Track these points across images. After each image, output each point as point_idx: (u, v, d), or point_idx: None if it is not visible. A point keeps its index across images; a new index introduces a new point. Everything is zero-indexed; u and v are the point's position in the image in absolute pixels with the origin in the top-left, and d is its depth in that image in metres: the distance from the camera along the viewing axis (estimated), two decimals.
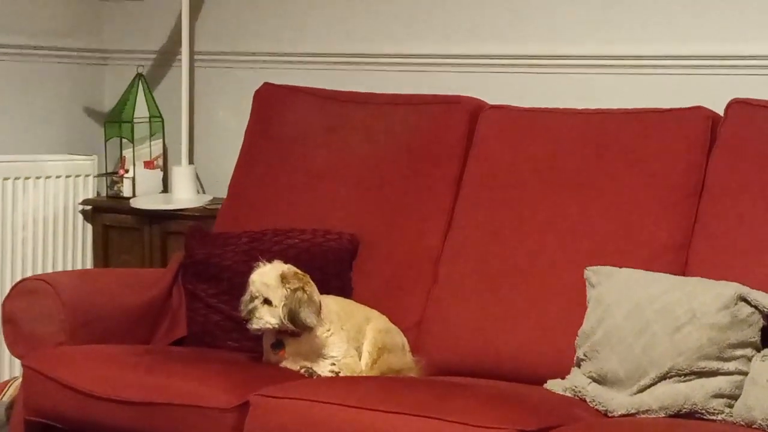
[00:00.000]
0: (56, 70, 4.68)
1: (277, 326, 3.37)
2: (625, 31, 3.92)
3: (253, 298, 3.38)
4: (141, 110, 4.62)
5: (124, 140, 4.61)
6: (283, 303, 3.36)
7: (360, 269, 3.74)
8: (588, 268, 3.37)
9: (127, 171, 4.60)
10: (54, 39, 4.65)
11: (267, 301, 3.37)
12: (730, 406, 3.08)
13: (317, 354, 3.41)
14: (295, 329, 3.37)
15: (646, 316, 3.15)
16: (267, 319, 3.37)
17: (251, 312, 3.36)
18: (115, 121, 4.63)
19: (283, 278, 3.37)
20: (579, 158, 3.60)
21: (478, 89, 3.95)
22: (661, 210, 3.46)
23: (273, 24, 4.51)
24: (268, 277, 3.40)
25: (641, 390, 3.13)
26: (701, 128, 3.51)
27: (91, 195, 4.62)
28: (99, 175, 4.65)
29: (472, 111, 3.83)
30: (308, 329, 3.39)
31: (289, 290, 3.37)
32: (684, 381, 3.10)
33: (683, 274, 3.34)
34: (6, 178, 4.37)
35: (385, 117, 3.95)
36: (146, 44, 4.74)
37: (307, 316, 3.36)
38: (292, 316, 3.36)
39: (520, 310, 3.50)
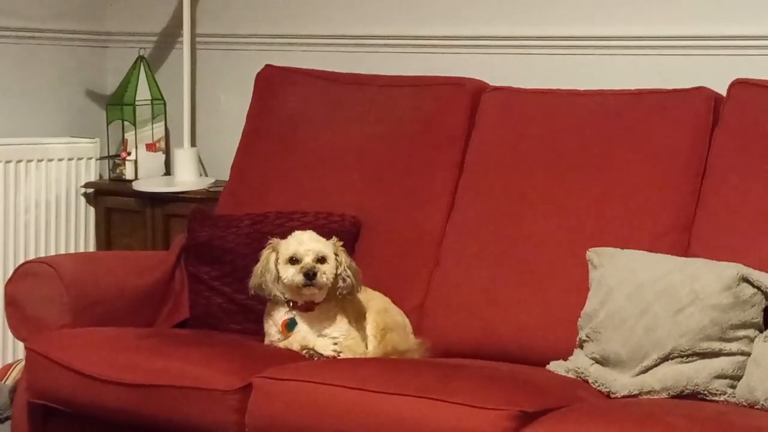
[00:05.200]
0: (58, 53, 4.67)
1: (330, 284, 3.40)
2: (627, 11, 3.91)
3: (299, 259, 3.39)
4: (143, 93, 4.61)
5: (126, 123, 4.61)
6: (339, 260, 3.42)
7: (362, 252, 3.74)
8: (590, 249, 3.36)
9: (129, 154, 4.60)
10: (56, 22, 4.65)
11: (321, 260, 3.40)
12: (733, 387, 3.08)
13: (323, 329, 3.42)
14: (345, 288, 3.42)
15: (648, 298, 3.16)
16: (329, 275, 3.41)
17: (313, 268, 3.37)
18: (117, 104, 4.63)
19: (328, 237, 3.45)
20: (581, 140, 3.60)
21: (480, 71, 3.94)
22: (664, 191, 3.46)
23: (274, 6, 4.50)
24: (314, 236, 3.45)
25: (643, 371, 3.13)
26: (704, 109, 3.51)
27: (93, 178, 4.62)
28: (101, 158, 4.65)
29: (474, 93, 3.83)
30: (353, 293, 3.45)
31: (341, 249, 3.44)
32: (686, 362, 3.10)
33: (685, 255, 3.34)
34: (8, 161, 4.37)
35: (387, 99, 3.95)
36: (148, 27, 4.74)
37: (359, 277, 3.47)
38: (356, 273, 3.43)
39: (523, 291, 3.50)
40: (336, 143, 3.95)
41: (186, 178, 4.51)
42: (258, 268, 3.46)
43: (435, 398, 2.95)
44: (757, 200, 3.34)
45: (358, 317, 3.50)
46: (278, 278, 3.42)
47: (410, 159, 3.83)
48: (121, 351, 3.40)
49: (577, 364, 3.25)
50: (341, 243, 3.48)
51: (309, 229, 3.56)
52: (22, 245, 4.41)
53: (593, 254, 3.35)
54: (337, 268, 3.42)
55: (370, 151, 3.89)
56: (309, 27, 4.42)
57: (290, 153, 4.00)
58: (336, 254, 3.44)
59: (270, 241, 3.48)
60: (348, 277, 3.43)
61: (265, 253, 3.47)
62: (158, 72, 4.70)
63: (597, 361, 3.22)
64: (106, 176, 4.68)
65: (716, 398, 3.08)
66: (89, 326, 3.56)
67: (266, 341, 3.50)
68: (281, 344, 3.45)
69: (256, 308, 3.59)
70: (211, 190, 4.37)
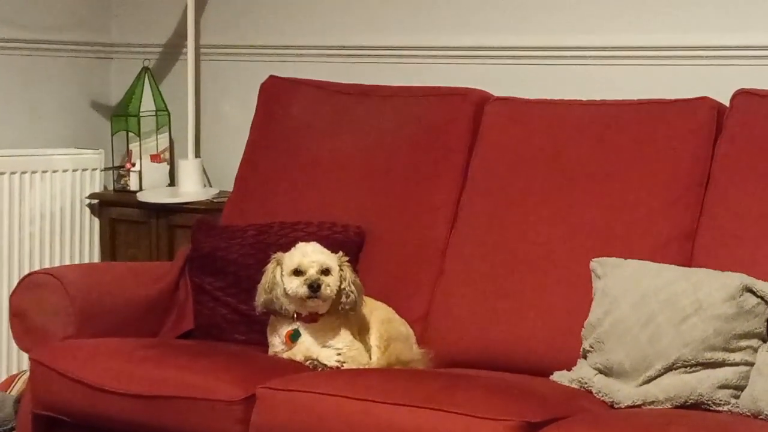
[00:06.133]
0: (63, 65, 4.68)
1: (333, 296, 3.40)
2: (630, 22, 3.91)
3: (303, 271, 3.38)
4: (147, 104, 4.62)
5: (130, 134, 4.62)
6: (343, 275, 3.41)
7: (366, 262, 3.74)
8: (594, 259, 3.36)
9: (133, 165, 4.60)
10: (60, 33, 4.66)
11: (325, 271, 3.40)
12: (736, 397, 3.08)
13: (327, 340, 3.42)
14: (347, 304, 3.42)
15: (651, 308, 3.16)
16: (332, 287, 3.40)
17: (318, 280, 3.37)
18: (122, 115, 4.64)
19: (332, 251, 3.45)
20: (584, 150, 3.60)
21: (484, 81, 3.95)
22: (667, 201, 3.46)
23: (278, 17, 4.51)
24: (318, 247, 3.45)
25: (647, 381, 3.13)
26: (707, 119, 3.51)
27: (98, 189, 4.63)
28: (106, 169, 4.66)
29: (478, 103, 3.83)
30: (355, 309, 3.44)
31: (347, 264, 3.44)
32: (690, 372, 3.10)
33: (689, 265, 3.34)
34: (13, 173, 4.38)
35: (391, 109, 3.95)
36: (152, 38, 4.75)
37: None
38: (359, 289, 3.43)
39: (527, 301, 3.50)
40: (340, 153, 3.95)
41: (190, 188, 4.51)
42: (264, 285, 3.46)
43: (439, 409, 2.95)
44: (760, 210, 3.33)
45: (361, 328, 3.50)
46: (283, 290, 3.43)
47: (414, 169, 3.83)
48: (125, 361, 3.40)
49: (581, 374, 3.25)
50: (347, 258, 3.48)
51: (313, 239, 3.56)
52: (27, 256, 4.42)
53: (597, 264, 3.35)
54: (341, 283, 3.42)
55: (374, 161, 3.89)
56: (313, 38, 4.43)
57: (294, 163, 4.01)
58: (340, 268, 3.44)
59: (274, 256, 3.48)
60: (352, 293, 3.43)
61: (270, 267, 3.46)
62: (163, 83, 4.71)
63: (601, 372, 3.22)
64: (110, 187, 4.68)
65: (720, 408, 3.08)
66: (94, 337, 3.57)
67: (270, 352, 3.50)
68: (285, 355, 3.45)
69: (260, 319, 3.59)
70: (215, 200, 4.38)
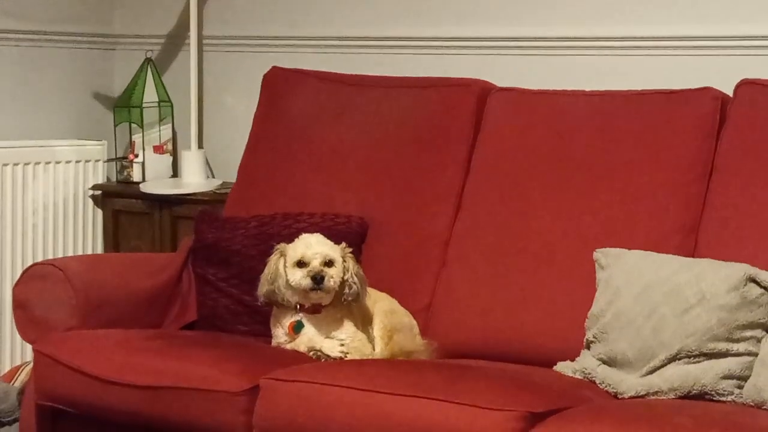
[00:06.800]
0: (66, 56, 4.68)
1: (336, 288, 3.40)
2: (633, 12, 3.91)
3: (307, 263, 3.38)
4: (150, 95, 4.62)
5: (133, 125, 4.62)
6: (346, 266, 3.41)
7: (369, 253, 3.74)
8: (597, 250, 3.36)
9: (136, 156, 4.61)
10: (63, 24, 4.66)
11: (328, 263, 3.40)
12: (740, 387, 3.08)
13: (330, 331, 3.42)
14: (350, 295, 3.42)
15: (655, 298, 3.15)
16: (336, 278, 3.40)
17: (321, 272, 3.37)
18: (125, 106, 4.64)
19: (335, 242, 3.45)
20: (587, 140, 3.60)
21: (487, 72, 3.94)
22: (671, 192, 3.46)
23: (281, 7, 4.51)
24: (322, 239, 3.45)
25: (651, 372, 3.13)
26: (710, 109, 3.51)
27: (101, 180, 4.63)
28: (109, 160, 4.66)
29: (481, 93, 3.83)
30: (358, 300, 3.44)
31: (350, 255, 3.43)
32: (693, 362, 3.10)
33: (692, 256, 3.34)
34: (16, 164, 4.38)
35: (394, 100, 3.95)
36: (155, 29, 4.74)
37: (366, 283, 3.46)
38: (362, 281, 3.43)
39: (530, 292, 3.50)
40: (343, 144, 3.95)
41: (193, 180, 4.52)
42: (267, 275, 3.46)
43: (442, 399, 2.95)
44: (763, 200, 3.33)
45: (364, 319, 3.51)
46: (286, 281, 3.43)
47: (417, 160, 3.83)
48: (128, 353, 3.40)
49: (585, 364, 3.26)
50: (350, 249, 3.48)
51: (316, 230, 3.56)
52: (30, 247, 4.42)
53: (600, 255, 3.35)
54: (344, 274, 3.42)
55: (377, 152, 3.89)
56: (316, 29, 4.43)
57: (297, 154, 4.01)
58: (344, 260, 3.44)
59: (277, 247, 3.48)
60: (354, 284, 3.43)
61: (273, 258, 3.47)
62: (165, 74, 4.70)
63: (604, 362, 3.22)
64: (113, 178, 4.69)
65: (723, 399, 3.08)
66: (97, 328, 3.57)
67: (273, 343, 3.51)
68: (288, 346, 3.46)
69: (263, 310, 3.59)
70: (218, 191, 4.38)
